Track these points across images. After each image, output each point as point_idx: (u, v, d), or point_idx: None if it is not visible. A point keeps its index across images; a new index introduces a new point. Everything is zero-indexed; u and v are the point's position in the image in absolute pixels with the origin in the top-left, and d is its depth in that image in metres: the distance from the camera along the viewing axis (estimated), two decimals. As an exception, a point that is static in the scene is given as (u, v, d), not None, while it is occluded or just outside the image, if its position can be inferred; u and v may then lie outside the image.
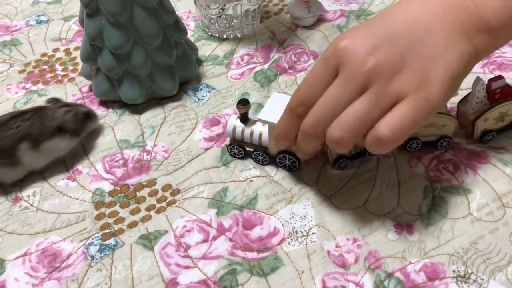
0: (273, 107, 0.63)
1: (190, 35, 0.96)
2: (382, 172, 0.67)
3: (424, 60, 0.48)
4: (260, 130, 0.67)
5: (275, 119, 0.61)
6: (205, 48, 0.93)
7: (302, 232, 0.62)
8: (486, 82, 0.65)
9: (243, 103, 0.66)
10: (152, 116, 0.81)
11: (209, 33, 0.96)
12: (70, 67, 0.93)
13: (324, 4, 0.97)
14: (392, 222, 0.62)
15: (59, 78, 0.91)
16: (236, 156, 0.71)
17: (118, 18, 0.73)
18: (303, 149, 0.57)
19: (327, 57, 0.51)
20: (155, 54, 0.78)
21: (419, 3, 0.52)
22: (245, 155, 0.71)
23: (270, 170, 0.69)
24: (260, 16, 0.97)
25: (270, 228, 0.63)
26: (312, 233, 0.62)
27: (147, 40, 0.76)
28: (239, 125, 0.68)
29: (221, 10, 0.90)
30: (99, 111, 0.83)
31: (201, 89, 0.85)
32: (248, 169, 0.70)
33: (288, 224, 0.63)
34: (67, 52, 0.97)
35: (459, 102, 0.70)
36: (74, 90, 0.88)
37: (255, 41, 0.93)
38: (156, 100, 0.83)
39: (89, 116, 0.75)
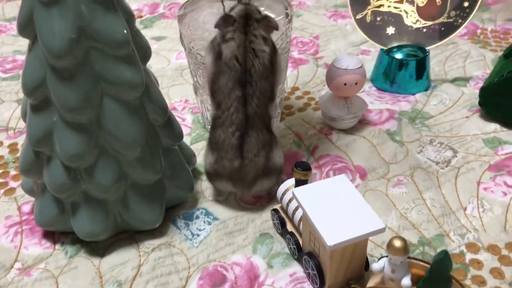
0: (323, 194, 0.47)
1: (185, 134, 0.70)
2: None
3: None
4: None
5: (316, 216, 0.45)
6: (206, 154, 0.67)
7: None
8: None
9: (303, 167, 0.51)
10: (120, 262, 0.52)
11: (212, 132, 0.71)
12: (12, 172, 0.66)
13: (365, 101, 0.73)
14: None
15: (-7, 187, 0.63)
16: (274, 227, 0.56)
17: (78, 115, 0.47)
18: None
19: None
20: (133, 168, 0.52)
21: None
22: (281, 234, 0.55)
23: None
24: (281, 113, 0.73)
25: None
26: None
27: (121, 149, 0.50)
28: (291, 192, 0.51)
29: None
30: (41, 247, 0.55)
31: (197, 218, 0.57)
32: None
33: None
34: (13, 148, 0.70)
35: None
36: (10, 208, 0.60)
37: (274, 146, 0.68)
38: (129, 234, 0.56)
39: None
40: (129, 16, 0.50)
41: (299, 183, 0.51)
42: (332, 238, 0.43)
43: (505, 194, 0.59)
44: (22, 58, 0.91)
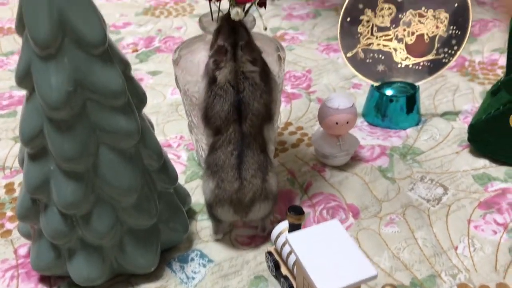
0: (316, 240, 0.48)
1: (180, 172, 0.71)
2: None
3: None
4: None
5: (309, 262, 0.46)
6: (201, 193, 0.67)
7: None
8: None
9: (296, 211, 0.51)
10: (116, 307, 0.53)
11: (206, 170, 0.71)
12: (9, 213, 0.66)
13: (357, 136, 0.74)
14: None
15: (-11, 229, 0.64)
16: (269, 269, 0.57)
17: (75, 164, 0.48)
18: None
19: None
20: (128, 214, 0.52)
21: None
22: (276, 276, 0.55)
23: None
24: (274, 149, 0.74)
25: None
26: None
27: (117, 196, 0.51)
28: (284, 235, 0.53)
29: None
30: (37, 292, 0.55)
31: (192, 260, 0.58)
32: None
33: None
34: (9, 188, 0.70)
35: None
36: (6, 251, 0.60)
37: (268, 184, 0.69)
38: (125, 277, 0.56)
39: None
40: (124, 66, 0.51)
41: (292, 226, 0.52)
42: (325, 286, 0.44)
43: (495, 232, 0.60)
44: (19, 94, 0.92)
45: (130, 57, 1.03)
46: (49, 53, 0.45)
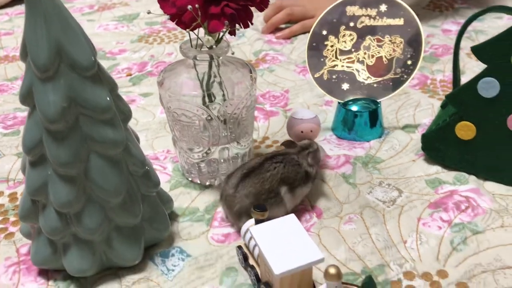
0: (275, 231, 0.57)
1: (165, 181, 0.79)
2: None
3: None
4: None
5: (268, 249, 0.54)
6: (183, 199, 0.76)
7: None
8: None
9: (260, 209, 0.60)
10: (105, 294, 0.61)
11: (189, 179, 0.80)
12: (12, 218, 0.74)
13: (325, 148, 0.83)
14: None
15: (-5, 232, 0.72)
16: (239, 261, 0.65)
17: (69, 169, 0.57)
18: None
19: None
20: (115, 213, 0.61)
21: None
22: (245, 267, 0.63)
23: None
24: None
25: None
26: None
27: (105, 196, 0.59)
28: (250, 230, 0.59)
29: (205, 154, 0.75)
30: (36, 283, 0.63)
31: (173, 255, 0.66)
32: None
33: None
34: (12, 197, 0.79)
35: None
36: (10, 250, 0.68)
37: (244, 190, 0.77)
38: (113, 270, 0.64)
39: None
40: (112, 85, 0.60)
41: (257, 222, 0.60)
42: (279, 268, 0.51)
43: (440, 228, 0.68)
44: (22, 115, 1.01)
45: (124, 80, 1.13)
46: (47, 76, 0.54)
